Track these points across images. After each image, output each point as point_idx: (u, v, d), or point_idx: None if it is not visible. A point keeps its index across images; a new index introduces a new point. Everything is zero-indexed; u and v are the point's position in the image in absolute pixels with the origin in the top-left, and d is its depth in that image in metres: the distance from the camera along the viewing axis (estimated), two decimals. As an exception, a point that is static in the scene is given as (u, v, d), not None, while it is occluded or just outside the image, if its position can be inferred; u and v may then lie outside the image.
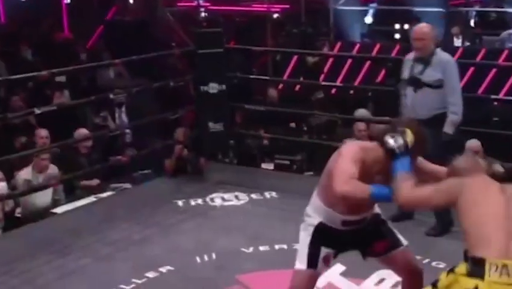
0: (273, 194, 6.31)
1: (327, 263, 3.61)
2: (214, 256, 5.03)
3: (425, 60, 5.27)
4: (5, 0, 16.79)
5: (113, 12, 15.57)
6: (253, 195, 6.27)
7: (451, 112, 5.24)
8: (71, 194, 6.98)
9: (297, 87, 10.38)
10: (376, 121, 6.87)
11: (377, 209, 3.70)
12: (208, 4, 14.00)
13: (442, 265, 4.80)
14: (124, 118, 8.66)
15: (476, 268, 2.78)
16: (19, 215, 6.46)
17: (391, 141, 3.18)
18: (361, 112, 7.45)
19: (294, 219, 5.42)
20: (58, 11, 16.35)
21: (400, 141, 3.18)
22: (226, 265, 4.91)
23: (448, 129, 5.24)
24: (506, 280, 2.74)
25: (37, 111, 6.05)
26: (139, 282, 4.68)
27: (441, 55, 5.33)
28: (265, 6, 12.25)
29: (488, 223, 2.84)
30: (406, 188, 3.02)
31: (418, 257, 4.84)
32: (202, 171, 6.82)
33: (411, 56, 5.40)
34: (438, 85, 5.23)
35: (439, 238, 5.34)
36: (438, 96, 5.25)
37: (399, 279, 4.56)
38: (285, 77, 10.72)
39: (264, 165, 7.56)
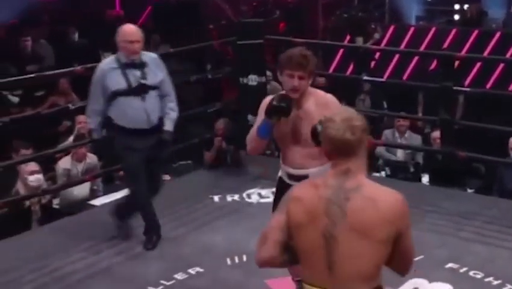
0: (312, 191, 6.30)
1: None
2: (244, 258, 5.06)
3: (142, 63, 4.94)
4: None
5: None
6: (292, 191, 6.26)
7: (172, 110, 5.14)
8: (110, 184, 7.12)
9: (348, 72, 10.26)
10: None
11: None
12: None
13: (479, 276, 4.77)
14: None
15: None
16: (57, 207, 6.63)
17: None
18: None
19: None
20: (110, -12, 16.46)
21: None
22: (256, 268, 4.90)
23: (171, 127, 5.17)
24: None
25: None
26: (167, 283, 4.78)
27: (149, 54, 5.07)
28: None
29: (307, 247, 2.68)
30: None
31: (451, 265, 4.88)
32: (241, 164, 6.85)
33: (113, 63, 4.95)
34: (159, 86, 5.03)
35: (473, 243, 5.29)
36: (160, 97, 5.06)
37: (430, 288, 4.61)
38: (334, 62, 10.63)
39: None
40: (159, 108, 5.02)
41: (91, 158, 7.04)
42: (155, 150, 5.07)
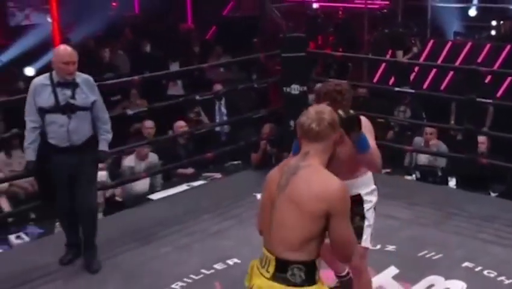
0: (347, 191, 6.23)
1: None
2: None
3: (74, 83, 4.57)
4: (140, -8, 17.27)
5: (229, 8, 15.71)
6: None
7: (106, 132, 4.76)
8: (168, 181, 7.19)
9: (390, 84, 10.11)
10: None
11: (362, 189, 3.80)
12: (312, 0, 13.86)
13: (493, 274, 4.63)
14: (223, 110, 8.77)
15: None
16: (120, 200, 6.72)
17: None
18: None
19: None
20: (184, 5, 16.66)
21: None
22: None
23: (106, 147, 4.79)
24: (256, 270, 2.87)
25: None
26: (207, 272, 4.78)
27: (83, 76, 4.67)
28: (363, 2, 11.98)
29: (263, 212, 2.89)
30: None
31: (467, 264, 4.75)
32: (285, 166, 6.80)
33: (45, 80, 4.58)
34: (90, 107, 4.65)
35: (491, 245, 5.14)
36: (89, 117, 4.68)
37: (446, 286, 4.51)
38: (377, 75, 10.51)
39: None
40: (87, 129, 4.65)
41: (153, 157, 7.13)
42: (77, 169, 4.65)
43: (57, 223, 5.88)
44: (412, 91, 7.42)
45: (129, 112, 6.08)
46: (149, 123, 7.42)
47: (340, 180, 2.73)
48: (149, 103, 8.83)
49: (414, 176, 6.91)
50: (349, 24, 12.79)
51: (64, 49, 4.55)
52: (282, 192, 2.76)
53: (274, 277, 2.76)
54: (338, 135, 2.89)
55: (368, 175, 3.87)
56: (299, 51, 6.52)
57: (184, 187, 6.75)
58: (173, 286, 4.62)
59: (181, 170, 7.29)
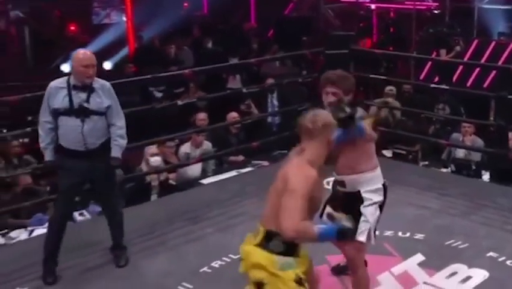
0: (383, 181, 6.10)
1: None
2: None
3: (91, 88, 4.37)
4: (209, -6, 17.37)
5: (290, 9, 15.62)
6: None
7: (120, 137, 4.48)
8: (219, 167, 7.20)
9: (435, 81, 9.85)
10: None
11: (363, 187, 3.74)
12: (365, 1, 13.62)
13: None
14: (275, 102, 8.72)
15: None
16: (174, 183, 6.76)
17: None
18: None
19: (389, 206, 5.28)
20: (248, 5, 16.67)
21: None
22: (320, 245, 4.81)
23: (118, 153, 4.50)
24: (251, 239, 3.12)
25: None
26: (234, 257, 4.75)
27: (101, 82, 4.45)
28: (412, 4, 11.71)
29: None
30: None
31: (491, 254, 4.58)
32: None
33: (62, 83, 4.36)
34: (105, 112, 4.42)
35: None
36: (105, 122, 4.44)
37: (469, 274, 4.38)
38: (424, 72, 10.26)
39: (384, 152, 7.28)
40: (101, 134, 4.43)
41: (207, 145, 7.16)
42: (93, 174, 4.47)
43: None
44: (447, 87, 7.18)
45: (179, 102, 6.10)
46: (201, 115, 7.46)
47: (311, 170, 2.98)
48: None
49: (449, 169, 6.72)
50: (398, 24, 12.55)
51: (83, 52, 4.37)
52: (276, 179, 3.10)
53: (260, 244, 3.07)
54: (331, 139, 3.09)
55: (375, 173, 3.79)
56: (342, 48, 6.41)
57: (233, 173, 6.75)
58: (212, 264, 4.63)
59: (232, 158, 7.30)
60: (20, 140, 7.57)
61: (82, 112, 4.33)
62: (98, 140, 4.41)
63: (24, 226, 5.72)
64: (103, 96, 4.39)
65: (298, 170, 2.98)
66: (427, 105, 8.06)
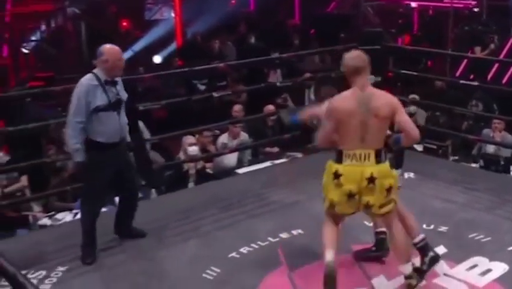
0: (411, 174, 5.97)
1: None
2: (340, 226, 4.90)
3: (116, 81, 4.40)
4: (255, -9, 17.38)
5: (333, 6, 15.48)
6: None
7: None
8: (255, 158, 7.20)
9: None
10: None
11: None
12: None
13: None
14: (312, 96, 8.66)
15: (338, 157, 3.76)
16: (211, 172, 6.79)
17: None
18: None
19: (416, 199, 5.19)
20: (292, 3, 16.60)
21: None
22: (347, 234, 4.76)
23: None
24: (354, 163, 3.70)
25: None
26: (272, 240, 4.75)
27: None
28: (449, 2, 11.43)
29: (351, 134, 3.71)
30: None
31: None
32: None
33: (93, 80, 4.29)
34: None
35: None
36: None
37: (489, 267, 4.27)
38: (459, 69, 10.02)
39: (416, 146, 7.15)
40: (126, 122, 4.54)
41: (244, 136, 7.17)
42: (124, 162, 4.56)
43: (153, 190, 6.06)
44: (476, 84, 6.99)
45: (215, 94, 6.12)
46: (237, 107, 7.51)
47: (390, 94, 3.83)
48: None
49: (478, 164, 6.56)
50: (436, 22, 12.27)
51: (114, 47, 4.37)
52: (369, 114, 3.67)
53: (377, 161, 3.72)
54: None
55: None
56: (374, 44, 6.30)
57: (267, 164, 6.73)
58: (241, 249, 4.63)
59: (267, 149, 7.30)
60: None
61: (118, 105, 4.37)
62: (127, 129, 4.51)
63: (70, 209, 5.85)
64: (122, 87, 4.46)
65: (387, 95, 3.80)
66: (460, 101, 7.88)
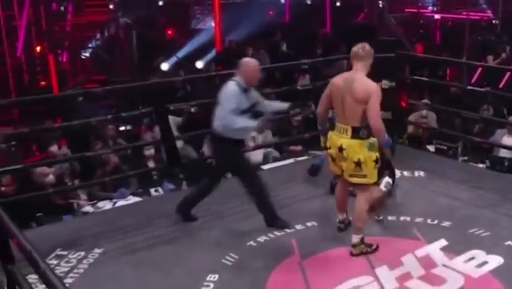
0: (422, 173, 5.91)
1: None
2: (351, 218, 4.88)
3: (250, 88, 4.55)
4: (291, 2, 17.39)
5: (362, 17, 15.35)
6: (406, 173, 5.92)
7: None
8: (280, 155, 7.20)
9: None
10: None
11: None
12: (425, 11, 13.17)
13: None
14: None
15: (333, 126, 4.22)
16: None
17: None
18: None
19: (425, 196, 5.11)
20: (324, 14, 16.53)
21: None
22: (356, 226, 4.75)
23: None
24: (336, 134, 4.18)
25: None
26: (288, 231, 4.76)
27: None
28: (465, 14, 11.20)
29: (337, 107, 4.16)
30: None
31: (509, 242, 4.36)
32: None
33: (238, 87, 4.44)
34: None
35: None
36: None
37: (486, 259, 4.21)
38: (475, 77, 9.81)
39: (429, 147, 7.06)
40: None
41: (269, 133, 7.18)
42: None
43: (185, 182, 6.12)
44: (483, 89, 6.85)
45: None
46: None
47: (374, 84, 4.06)
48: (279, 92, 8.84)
49: (484, 164, 6.43)
50: (454, 32, 12.05)
51: (254, 60, 4.61)
52: (347, 93, 4.03)
53: (352, 137, 4.07)
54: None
55: None
56: (389, 52, 6.25)
57: (290, 161, 6.73)
58: (258, 239, 4.65)
59: (292, 147, 7.29)
60: (116, 126, 7.89)
61: (251, 109, 4.60)
62: None
63: (110, 198, 5.97)
64: (255, 93, 4.65)
65: (368, 83, 4.02)
66: (472, 106, 7.74)
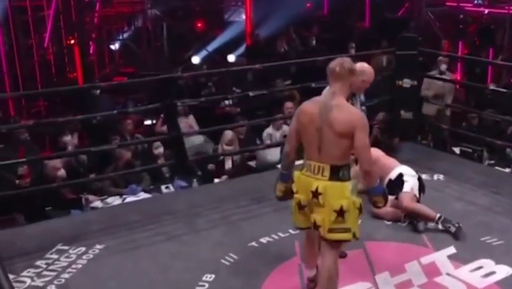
0: (441, 176, 5.85)
1: None
2: (359, 221, 4.88)
3: None
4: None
5: (404, 11, 15.17)
6: (424, 176, 5.81)
7: None
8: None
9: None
10: None
11: None
12: (465, 5, 12.89)
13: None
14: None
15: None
16: (254, 166, 6.88)
17: None
18: None
19: (440, 200, 5.04)
20: (363, 7, 16.40)
21: None
22: (363, 230, 4.73)
23: None
24: (308, 174, 3.40)
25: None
26: (293, 232, 4.74)
27: None
28: (506, 8, 10.93)
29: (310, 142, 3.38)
30: None
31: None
32: (395, 150, 6.52)
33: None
34: None
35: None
36: None
37: (494, 269, 4.17)
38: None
39: (454, 149, 6.97)
40: None
41: (286, 128, 7.20)
42: None
43: (195, 179, 6.22)
44: (504, 90, 6.72)
45: (250, 93, 6.22)
46: (288, 104, 7.51)
47: (359, 111, 3.40)
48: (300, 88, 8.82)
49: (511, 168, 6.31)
50: (489, 28, 11.78)
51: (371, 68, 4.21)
52: (324, 124, 3.27)
53: (331, 178, 3.31)
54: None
55: None
56: (411, 49, 6.21)
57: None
58: (261, 240, 4.70)
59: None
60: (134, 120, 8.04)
61: None
62: None
63: (120, 194, 6.11)
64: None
65: (352, 111, 3.31)
66: (505, 106, 7.56)
